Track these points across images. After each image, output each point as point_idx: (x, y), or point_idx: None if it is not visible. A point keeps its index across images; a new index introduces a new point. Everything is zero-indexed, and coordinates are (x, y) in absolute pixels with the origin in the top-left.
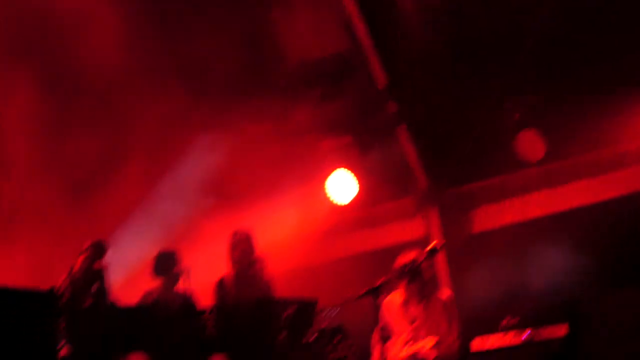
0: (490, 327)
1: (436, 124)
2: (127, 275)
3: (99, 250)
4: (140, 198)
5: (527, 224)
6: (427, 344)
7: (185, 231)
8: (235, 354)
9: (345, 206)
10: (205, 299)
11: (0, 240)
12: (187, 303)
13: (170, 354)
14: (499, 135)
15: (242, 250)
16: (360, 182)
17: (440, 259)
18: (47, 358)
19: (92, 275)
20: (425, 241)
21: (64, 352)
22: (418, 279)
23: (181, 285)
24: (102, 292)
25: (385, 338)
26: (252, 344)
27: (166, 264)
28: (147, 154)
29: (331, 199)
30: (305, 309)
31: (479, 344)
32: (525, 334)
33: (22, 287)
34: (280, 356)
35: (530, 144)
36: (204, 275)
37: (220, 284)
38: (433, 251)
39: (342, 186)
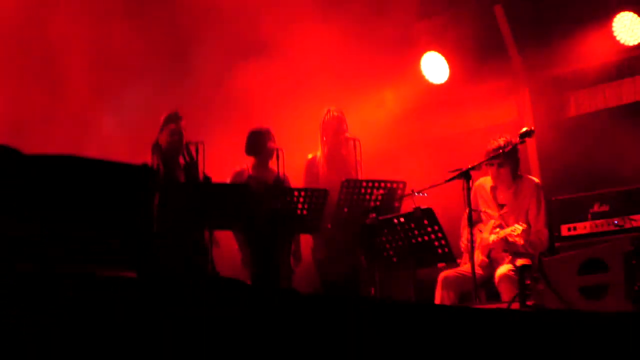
0: (580, 214)
1: (533, 4)
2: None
3: (179, 121)
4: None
5: (620, 109)
6: (516, 229)
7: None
8: (325, 233)
9: (438, 87)
10: (297, 178)
11: None
12: (279, 182)
13: (262, 231)
14: (596, 19)
15: (334, 129)
16: (453, 63)
17: (532, 144)
18: (143, 233)
19: (179, 148)
20: (517, 125)
21: (159, 226)
22: (509, 163)
23: (274, 163)
24: (193, 167)
25: (474, 222)
26: (342, 223)
27: (259, 143)
28: None
29: (425, 78)
30: (394, 191)
31: (567, 230)
32: (616, 221)
33: (119, 161)
34: (368, 237)
35: (628, 27)
36: (296, 154)
37: (310, 163)
38: (524, 135)
39: (435, 66)
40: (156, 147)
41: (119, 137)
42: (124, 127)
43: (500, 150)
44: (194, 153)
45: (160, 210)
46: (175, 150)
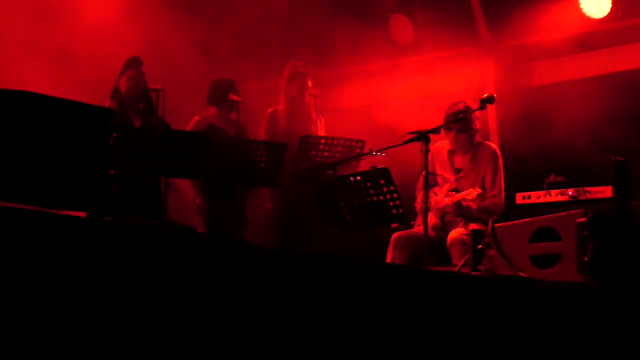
0: (535, 184)
1: None
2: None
3: (139, 66)
4: None
5: (583, 82)
6: (470, 194)
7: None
8: (282, 187)
9: (403, 48)
10: (258, 130)
11: None
12: (240, 132)
13: (221, 181)
14: None
15: (299, 84)
16: (419, 26)
17: (492, 111)
18: (98, 174)
19: (139, 94)
20: (480, 91)
21: (114, 170)
22: (468, 128)
23: (234, 115)
24: (151, 112)
25: (431, 185)
26: (299, 178)
27: (222, 93)
28: None
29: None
30: (353, 149)
31: (522, 199)
32: (570, 192)
33: (78, 101)
34: (325, 194)
35: (595, 0)
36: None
37: (271, 117)
38: (485, 102)
39: (402, 29)
40: (115, 92)
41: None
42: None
43: (460, 115)
44: (154, 100)
45: (117, 155)
46: (133, 96)
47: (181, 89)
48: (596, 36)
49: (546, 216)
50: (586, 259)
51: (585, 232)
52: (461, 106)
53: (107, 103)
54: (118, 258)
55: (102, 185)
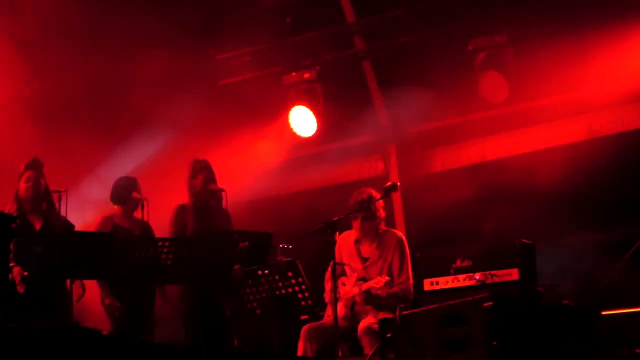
0: (442, 269)
1: (400, 62)
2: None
3: (38, 168)
4: None
5: (484, 165)
6: (379, 282)
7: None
8: (190, 283)
9: (305, 140)
10: (163, 228)
11: None
12: (144, 231)
13: (126, 280)
14: (461, 77)
15: (202, 179)
16: (321, 118)
17: (397, 198)
18: None
19: (39, 195)
20: (384, 179)
21: (15, 274)
22: (372, 217)
23: (139, 213)
24: (52, 213)
25: (338, 275)
26: (207, 274)
27: (125, 191)
28: None
29: (293, 132)
30: (260, 242)
31: (430, 285)
32: (477, 276)
33: None
34: (233, 288)
35: (493, 86)
36: (162, 204)
37: (179, 212)
38: (389, 189)
39: (303, 121)
40: (16, 195)
41: None
42: None
43: (365, 204)
44: (56, 201)
45: (17, 259)
46: (33, 198)
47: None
48: (496, 119)
49: (452, 301)
50: (494, 342)
51: (492, 316)
52: (364, 195)
53: (7, 207)
54: None
55: (1, 289)
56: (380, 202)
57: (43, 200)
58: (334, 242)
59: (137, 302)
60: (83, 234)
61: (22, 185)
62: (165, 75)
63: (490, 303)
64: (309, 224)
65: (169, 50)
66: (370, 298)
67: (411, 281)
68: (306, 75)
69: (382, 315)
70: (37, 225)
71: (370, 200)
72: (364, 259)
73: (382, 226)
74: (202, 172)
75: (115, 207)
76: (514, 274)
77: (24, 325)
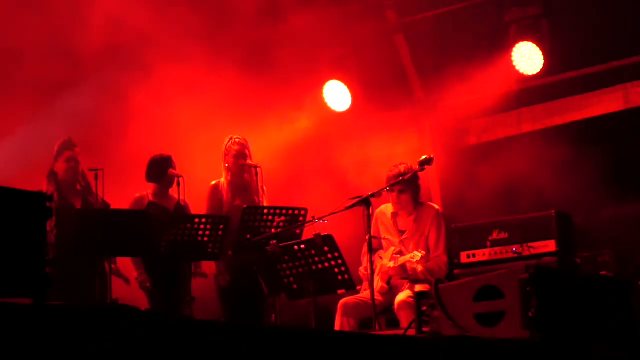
0: (479, 242)
1: (433, 33)
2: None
3: (74, 148)
4: None
5: (519, 137)
6: (415, 256)
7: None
8: (225, 260)
9: (341, 115)
10: (200, 206)
11: None
12: (179, 209)
13: (163, 258)
14: (496, 49)
15: (236, 156)
16: (355, 92)
17: (433, 171)
18: (36, 259)
19: (76, 176)
20: (418, 153)
21: (53, 254)
22: (409, 190)
23: (175, 191)
24: (90, 193)
25: (375, 249)
26: (243, 250)
27: (160, 170)
28: None
29: (328, 106)
30: (296, 218)
31: (467, 257)
32: (514, 248)
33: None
34: (269, 264)
35: (527, 57)
36: (199, 183)
37: (214, 189)
38: (424, 162)
39: (338, 95)
40: (52, 175)
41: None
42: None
43: (401, 177)
44: (92, 180)
45: (57, 237)
46: (71, 177)
47: (122, 168)
48: (529, 92)
49: (488, 274)
50: (530, 314)
51: (528, 288)
52: (402, 168)
53: (44, 186)
54: (65, 341)
55: (41, 270)
56: (416, 175)
57: (79, 179)
58: (369, 216)
59: (173, 279)
60: (119, 212)
61: (63, 166)
62: None
63: (526, 275)
64: (345, 199)
65: None
66: (406, 272)
67: (446, 255)
68: (340, 50)
69: (418, 288)
70: (78, 205)
71: (407, 172)
72: (401, 232)
73: (419, 199)
74: (236, 147)
75: (151, 184)
76: (550, 246)
77: (64, 303)
